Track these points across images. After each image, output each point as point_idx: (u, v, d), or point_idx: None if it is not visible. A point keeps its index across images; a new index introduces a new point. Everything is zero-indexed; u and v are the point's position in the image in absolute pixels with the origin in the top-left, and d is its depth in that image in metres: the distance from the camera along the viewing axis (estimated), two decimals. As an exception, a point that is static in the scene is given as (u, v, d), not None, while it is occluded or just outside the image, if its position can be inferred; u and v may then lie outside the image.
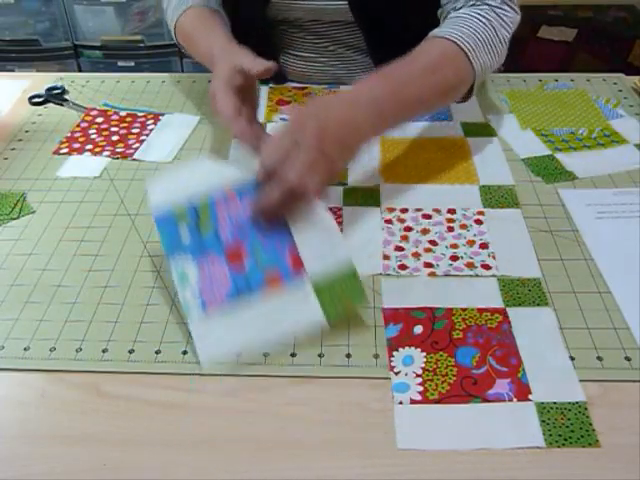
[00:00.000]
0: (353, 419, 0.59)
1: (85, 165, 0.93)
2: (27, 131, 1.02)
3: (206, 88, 1.10)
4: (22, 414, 0.60)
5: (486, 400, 0.60)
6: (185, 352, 0.65)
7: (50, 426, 0.59)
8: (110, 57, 2.38)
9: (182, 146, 0.97)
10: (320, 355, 0.64)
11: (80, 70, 2.40)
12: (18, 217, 0.84)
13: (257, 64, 0.79)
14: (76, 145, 0.98)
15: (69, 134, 1.00)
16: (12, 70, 2.38)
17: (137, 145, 0.97)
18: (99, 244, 0.79)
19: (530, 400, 0.60)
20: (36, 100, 1.09)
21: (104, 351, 0.66)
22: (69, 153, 0.96)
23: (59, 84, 1.13)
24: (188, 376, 0.63)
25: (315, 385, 0.62)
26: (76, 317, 0.69)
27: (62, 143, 0.98)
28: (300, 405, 0.60)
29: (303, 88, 1.09)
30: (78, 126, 1.02)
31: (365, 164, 0.90)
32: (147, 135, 0.99)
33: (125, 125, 1.02)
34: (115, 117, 1.04)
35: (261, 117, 1.02)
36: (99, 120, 1.03)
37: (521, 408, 0.59)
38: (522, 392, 0.60)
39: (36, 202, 0.86)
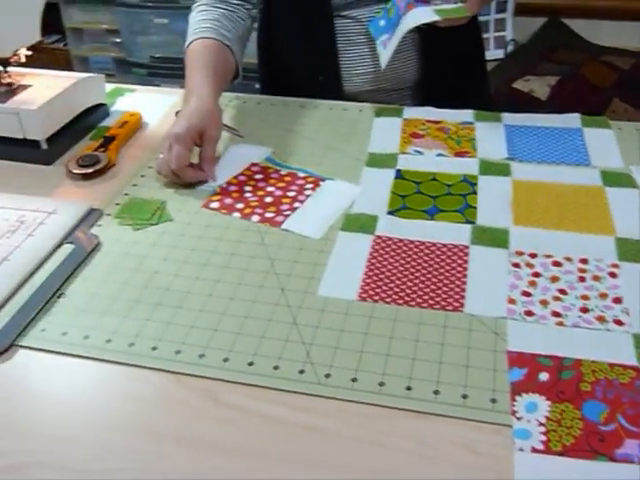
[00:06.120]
0: (461, 460, 0.58)
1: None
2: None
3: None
4: (141, 410, 0.64)
5: (613, 459, 0.57)
6: (302, 371, 0.66)
7: (167, 425, 0.62)
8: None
9: (335, 222, 0.88)
10: (436, 392, 0.63)
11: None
12: (157, 223, 0.88)
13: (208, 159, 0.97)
14: (228, 201, 0.92)
15: (224, 185, 0.96)
16: (158, 85, 2.53)
17: (289, 212, 0.90)
18: (227, 257, 0.82)
19: None
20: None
21: (225, 360, 0.68)
22: (219, 209, 0.91)
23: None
24: (302, 395, 0.64)
25: (429, 421, 0.61)
26: (202, 324, 0.72)
27: (215, 195, 0.94)
28: (411, 440, 0.60)
29: (437, 122, 1.09)
30: (235, 178, 0.97)
31: (495, 204, 0.89)
32: (302, 202, 0.92)
33: (282, 185, 0.95)
34: (275, 175, 0.98)
35: (395, 147, 1.03)
36: (258, 177, 0.98)
37: None
38: None
39: (174, 210, 0.91)
